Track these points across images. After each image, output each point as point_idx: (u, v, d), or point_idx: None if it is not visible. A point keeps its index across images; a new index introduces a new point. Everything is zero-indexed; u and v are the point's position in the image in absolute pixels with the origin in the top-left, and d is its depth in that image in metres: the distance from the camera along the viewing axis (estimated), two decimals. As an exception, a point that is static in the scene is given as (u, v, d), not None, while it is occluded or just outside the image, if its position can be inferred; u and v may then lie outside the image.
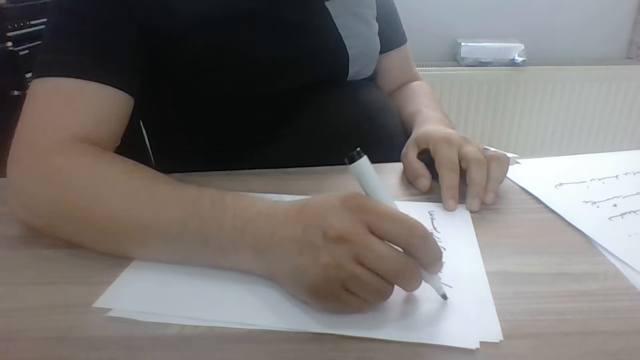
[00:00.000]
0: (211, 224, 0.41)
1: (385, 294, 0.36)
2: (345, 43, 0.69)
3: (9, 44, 1.19)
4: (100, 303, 0.39)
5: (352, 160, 0.37)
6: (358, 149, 0.37)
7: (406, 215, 0.36)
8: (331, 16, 0.68)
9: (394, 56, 0.85)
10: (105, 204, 0.44)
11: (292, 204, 0.40)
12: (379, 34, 0.77)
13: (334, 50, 0.68)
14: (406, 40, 0.87)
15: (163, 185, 0.45)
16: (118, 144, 0.56)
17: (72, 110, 0.52)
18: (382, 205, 0.36)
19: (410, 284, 0.36)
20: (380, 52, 0.79)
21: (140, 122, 0.79)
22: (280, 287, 0.40)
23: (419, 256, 0.35)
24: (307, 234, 0.36)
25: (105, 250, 0.45)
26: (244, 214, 0.41)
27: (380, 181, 0.38)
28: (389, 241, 0.35)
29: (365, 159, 0.37)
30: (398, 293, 0.39)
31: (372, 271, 0.35)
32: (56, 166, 0.47)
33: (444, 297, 0.38)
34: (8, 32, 1.20)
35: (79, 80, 0.52)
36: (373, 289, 0.35)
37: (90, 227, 0.45)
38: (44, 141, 0.49)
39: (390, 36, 0.82)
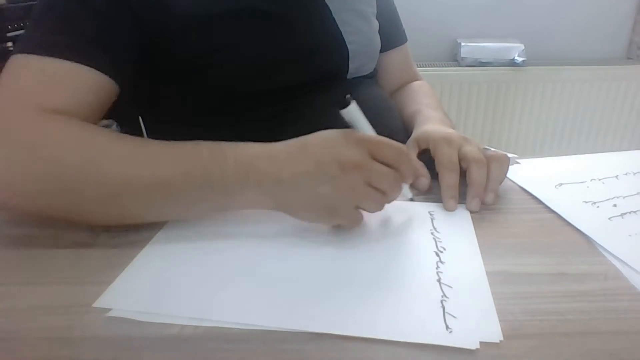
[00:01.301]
0: (214, 170, 0.44)
1: (383, 205, 0.47)
2: (345, 39, 0.69)
3: (9, 44, 1.19)
4: (100, 303, 0.38)
5: (344, 106, 0.45)
6: (347, 95, 0.45)
7: (393, 142, 0.46)
8: (331, 12, 0.68)
9: (394, 55, 0.85)
10: (103, 169, 0.44)
11: (287, 144, 0.46)
12: (379, 33, 0.78)
13: (334, 46, 0.68)
14: (406, 40, 0.88)
15: (157, 145, 0.47)
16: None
17: (51, 87, 0.50)
18: (375, 136, 0.46)
19: (396, 193, 0.47)
20: (381, 51, 0.79)
21: (140, 118, 0.79)
22: (279, 287, 0.40)
23: (404, 171, 0.46)
24: (322, 168, 0.43)
25: (103, 218, 0.45)
26: (243, 158, 0.45)
27: (367, 120, 0.47)
28: (384, 163, 0.45)
29: (354, 104, 0.45)
30: (397, 294, 0.39)
31: (376, 188, 0.44)
32: (39, 138, 0.45)
33: (412, 200, 0.53)
34: (8, 32, 1.19)
35: (60, 60, 0.50)
36: (377, 203, 0.46)
37: (87, 195, 0.44)
38: (22, 113, 0.47)
39: (391, 35, 0.82)
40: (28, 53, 0.50)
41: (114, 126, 1.45)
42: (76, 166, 0.44)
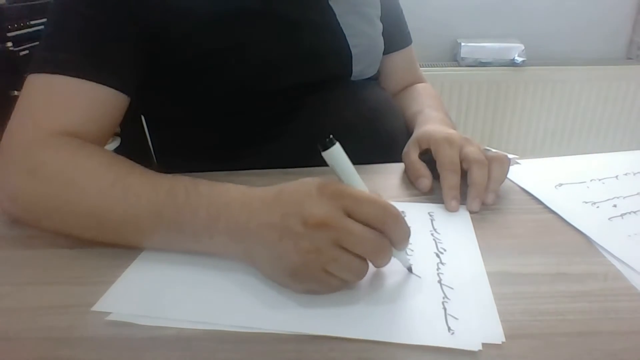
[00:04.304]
0: (186, 213, 0.42)
1: (363, 273, 0.38)
2: (349, 42, 0.69)
3: (9, 44, 1.19)
4: (99, 307, 0.38)
5: (325, 147, 0.38)
6: (331, 136, 0.38)
7: (379, 197, 0.38)
8: (335, 15, 0.68)
9: (398, 57, 0.84)
10: (84, 200, 0.46)
11: (266, 190, 0.42)
12: (384, 35, 0.77)
13: (337, 49, 0.69)
14: (411, 42, 0.87)
15: (138, 177, 0.46)
16: (109, 140, 0.57)
17: (62, 107, 0.52)
18: (356, 190, 0.38)
19: (382, 261, 0.39)
20: (385, 53, 0.79)
21: (142, 118, 0.79)
22: (278, 288, 0.40)
23: (391, 234, 0.38)
24: (286, 221, 0.37)
25: (92, 240, 0.46)
26: (218, 200, 0.42)
27: (352, 166, 0.39)
28: (365, 223, 0.37)
29: (337, 146, 0.38)
30: (399, 296, 0.39)
31: (351, 252, 0.37)
32: (39, 161, 0.48)
33: (410, 269, 0.42)
34: (8, 32, 1.20)
35: (72, 78, 0.52)
36: (352, 270, 0.37)
37: (74, 220, 0.47)
38: (31, 136, 0.50)
39: (395, 37, 0.82)
40: (39, 72, 0.53)
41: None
42: (64, 194, 0.46)
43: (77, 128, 0.52)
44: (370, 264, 0.38)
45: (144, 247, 0.46)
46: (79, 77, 0.53)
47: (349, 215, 0.37)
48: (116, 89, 0.55)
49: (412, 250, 0.45)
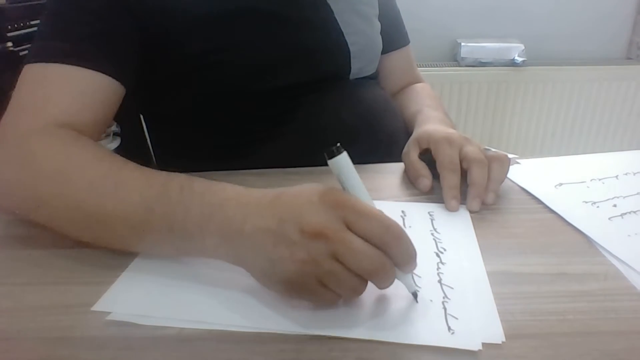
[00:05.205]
0: (178, 210, 0.40)
1: (359, 290, 0.36)
2: (347, 40, 0.69)
3: (9, 44, 1.19)
4: (99, 306, 0.38)
5: (332, 155, 0.36)
6: (338, 144, 0.36)
7: (383, 214, 0.36)
8: (333, 13, 0.68)
9: (396, 57, 0.85)
10: (74, 193, 0.44)
11: (264, 193, 0.39)
12: (382, 34, 0.78)
13: (335, 47, 0.69)
14: (409, 42, 0.87)
15: (131, 171, 0.44)
16: (105, 131, 0.57)
17: (56, 95, 0.52)
18: (360, 202, 0.36)
19: (384, 282, 0.36)
20: (383, 53, 0.79)
21: (142, 118, 0.79)
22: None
23: (393, 255, 0.35)
24: (282, 228, 0.35)
25: (77, 238, 0.45)
26: (212, 199, 0.40)
27: (359, 178, 0.37)
28: (365, 239, 0.35)
29: (344, 155, 0.36)
30: (399, 296, 0.39)
31: (348, 268, 0.34)
32: (30, 152, 0.48)
33: (415, 295, 0.38)
34: (8, 32, 1.19)
35: (66, 65, 0.52)
36: (348, 286, 0.35)
37: (63, 213, 0.45)
38: (24, 126, 0.50)
39: (393, 37, 0.83)
40: (35, 62, 0.53)
41: (114, 126, 1.44)
42: (53, 187, 0.45)
43: (72, 117, 0.51)
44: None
45: (133, 248, 0.44)
46: (72, 64, 0.52)
47: (349, 228, 0.35)
48: (110, 75, 0.55)
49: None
